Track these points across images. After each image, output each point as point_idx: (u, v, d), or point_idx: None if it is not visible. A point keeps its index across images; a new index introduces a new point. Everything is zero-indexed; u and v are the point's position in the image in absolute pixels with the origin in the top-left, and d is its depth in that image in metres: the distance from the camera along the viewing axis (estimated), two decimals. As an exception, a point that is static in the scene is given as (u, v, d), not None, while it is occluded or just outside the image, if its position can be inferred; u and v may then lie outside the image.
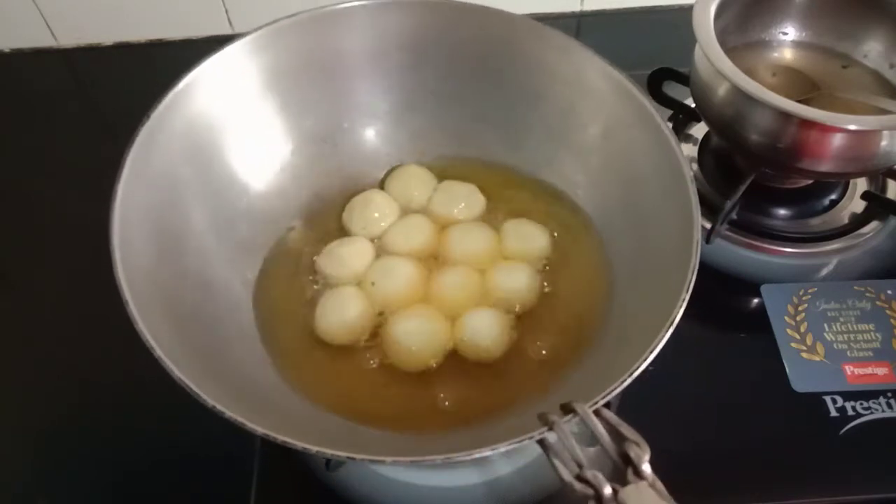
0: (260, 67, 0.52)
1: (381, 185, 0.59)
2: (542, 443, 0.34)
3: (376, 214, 0.56)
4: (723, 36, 0.57)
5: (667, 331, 0.38)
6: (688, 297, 0.39)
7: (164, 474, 0.52)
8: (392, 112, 0.58)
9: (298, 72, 0.54)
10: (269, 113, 0.54)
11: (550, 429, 0.34)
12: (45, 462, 0.53)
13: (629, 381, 0.37)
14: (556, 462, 0.33)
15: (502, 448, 0.34)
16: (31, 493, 0.52)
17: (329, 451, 0.35)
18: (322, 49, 0.54)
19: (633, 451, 0.32)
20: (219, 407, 0.36)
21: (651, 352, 0.37)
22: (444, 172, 0.59)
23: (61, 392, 0.56)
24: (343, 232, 0.56)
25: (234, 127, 0.52)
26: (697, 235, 0.42)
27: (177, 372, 0.36)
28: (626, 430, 0.33)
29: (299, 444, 0.35)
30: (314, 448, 0.35)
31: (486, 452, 0.34)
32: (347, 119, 0.58)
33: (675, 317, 0.39)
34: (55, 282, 0.62)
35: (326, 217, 0.57)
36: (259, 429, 0.35)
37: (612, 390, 0.36)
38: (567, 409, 0.34)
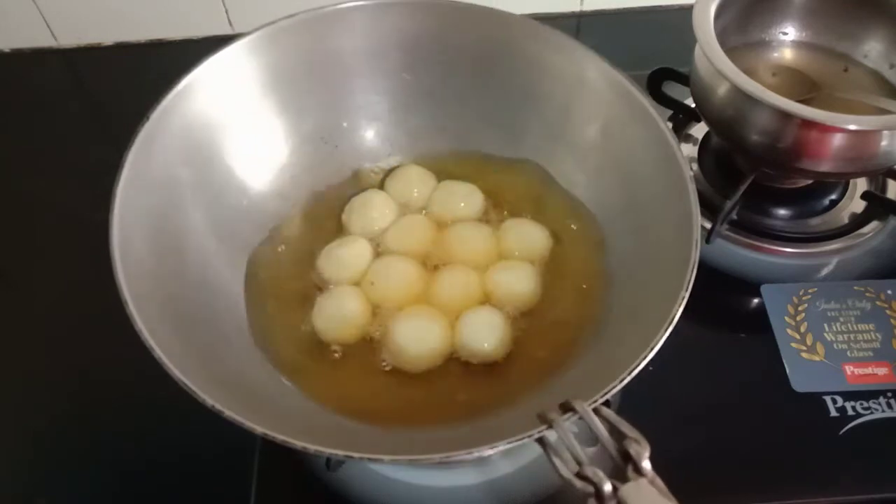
0: (259, 68, 0.52)
1: (381, 186, 0.58)
2: (541, 441, 0.34)
3: (375, 214, 0.56)
4: (723, 36, 0.57)
5: (666, 329, 0.38)
6: (687, 296, 0.39)
7: (164, 474, 0.52)
8: (391, 112, 0.58)
9: (298, 72, 0.54)
10: (269, 113, 0.54)
11: (550, 427, 0.34)
12: (45, 462, 0.53)
13: (628, 379, 0.37)
14: (556, 460, 0.33)
15: (502, 446, 0.34)
16: (31, 493, 0.52)
17: (328, 450, 0.35)
18: (321, 49, 0.54)
19: (632, 448, 0.32)
20: (218, 406, 0.36)
21: (651, 350, 0.37)
22: (443, 172, 0.59)
23: (61, 392, 0.56)
24: (342, 232, 0.56)
25: (234, 127, 0.52)
26: (697, 234, 0.42)
27: (176, 372, 0.37)
28: (626, 427, 0.33)
29: (298, 443, 0.35)
30: (313, 447, 0.35)
31: (486, 451, 0.34)
32: (347, 119, 0.58)
33: (675, 315, 0.39)
34: (55, 282, 0.62)
35: (326, 217, 0.57)
36: (258, 428, 0.35)
37: (612, 388, 0.36)
38: (566, 408, 0.34)
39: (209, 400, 0.36)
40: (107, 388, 0.56)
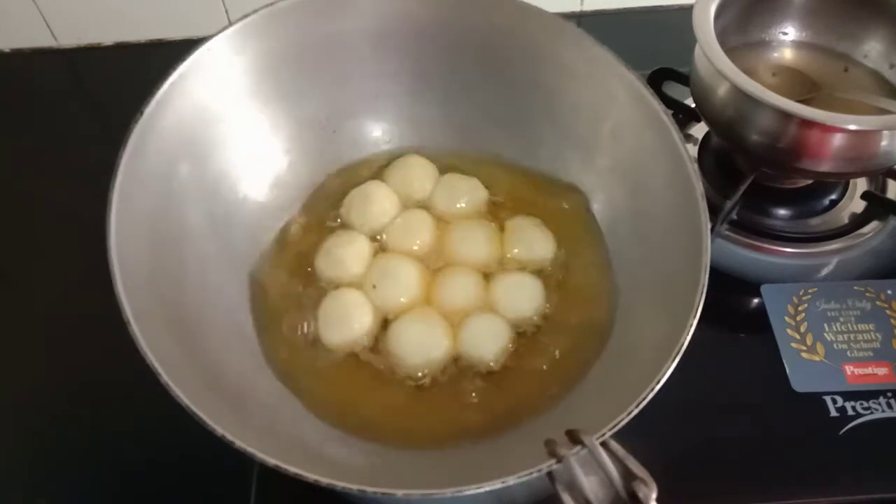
0: (256, 53, 0.50)
1: (381, 177, 0.57)
2: (550, 475, 0.34)
3: (376, 209, 0.55)
4: (723, 36, 0.57)
5: (674, 360, 0.38)
6: (695, 323, 0.39)
7: (164, 475, 0.52)
8: (394, 102, 0.57)
9: (296, 57, 0.52)
10: (266, 100, 0.53)
11: (559, 461, 0.34)
12: (45, 462, 0.53)
13: (636, 411, 0.36)
14: (566, 496, 0.33)
15: (512, 481, 0.34)
16: (31, 493, 0.52)
17: (340, 484, 0.35)
18: (321, 35, 0.52)
19: (641, 491, 0.31)
20: (228, 437, 0.35)
21: (658, 381, 0.37)
22: (446, 165, 0.58)
23: (61, 392, 0.56)
24: (342, 225, 0.55)
25: (229, 119, 0.51)
26: (706, 258, 0.41)
27: (186, 400, 0.36)
28: (634, 465, 0.32)
29: (310, 476, 0.35)
30: (325, 480, 0.35)
31: (497, 485, 0.34)
32: (347, 108, 0.56)
33: (683, 343, 0.38)
34: (54, 282, 0.62)
35: (325, 209, 0.56)
36: (270, 460, 0.35)
37: (619, 422, 0.36)
38: (574, 439, 0.34)
39: (219, 429, 0.36)
40: (107, 388, 0.56)
